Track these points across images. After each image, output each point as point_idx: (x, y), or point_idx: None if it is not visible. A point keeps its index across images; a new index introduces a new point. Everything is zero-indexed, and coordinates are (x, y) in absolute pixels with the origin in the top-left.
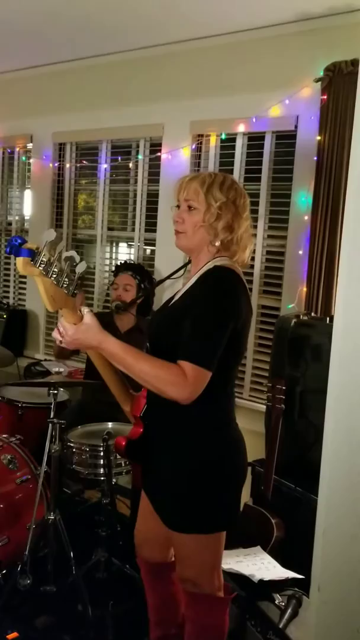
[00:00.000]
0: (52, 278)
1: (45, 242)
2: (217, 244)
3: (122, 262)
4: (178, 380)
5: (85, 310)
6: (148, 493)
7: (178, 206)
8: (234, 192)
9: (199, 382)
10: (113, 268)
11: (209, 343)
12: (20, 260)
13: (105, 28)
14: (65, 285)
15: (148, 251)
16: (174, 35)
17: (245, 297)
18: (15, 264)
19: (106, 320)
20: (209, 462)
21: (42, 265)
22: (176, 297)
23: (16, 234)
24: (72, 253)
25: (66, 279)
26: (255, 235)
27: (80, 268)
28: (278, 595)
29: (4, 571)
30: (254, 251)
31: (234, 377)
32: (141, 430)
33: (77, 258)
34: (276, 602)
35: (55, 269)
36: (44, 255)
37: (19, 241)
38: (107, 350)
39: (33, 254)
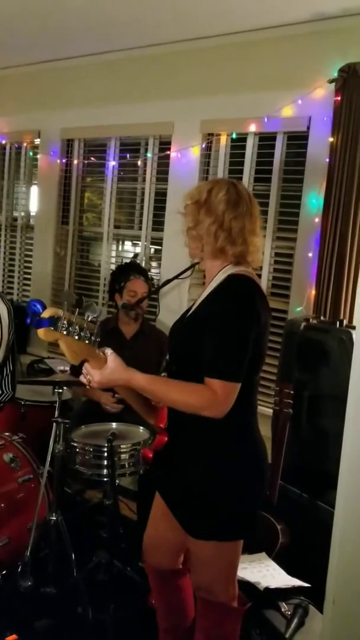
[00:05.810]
0: (74, 335)
1: (66, 305)
2: (207, 247)
3: (130, 262)
4: (209, 402)
5: (108, 352)
6: (167, 499)
7: None
8: (197, 192)
9: (230, 397)
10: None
11: (233, 356)
12: (42, 331)
13: (116, 24)
14: (86, 337)
15: (153, 250)
16: (186, 33)
17: (262, 301)
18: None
19: (111, 327)
20: (232, 471)
21: (64, 329)
22: (194, 307)
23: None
24: (91, 303)
25: (87, 332)
26: (264, 236)
27: (102, 316)
28: (284, 603)
29: (4, 572)
30: (262, 252)
31: (256, 385)
32: (165, 439)
33: (95, 307)
34: (282, 610)
35: (76, 327)
36: (64, 318)
37: (40, 309)
38: (135, 387)
39: (54, 322)
